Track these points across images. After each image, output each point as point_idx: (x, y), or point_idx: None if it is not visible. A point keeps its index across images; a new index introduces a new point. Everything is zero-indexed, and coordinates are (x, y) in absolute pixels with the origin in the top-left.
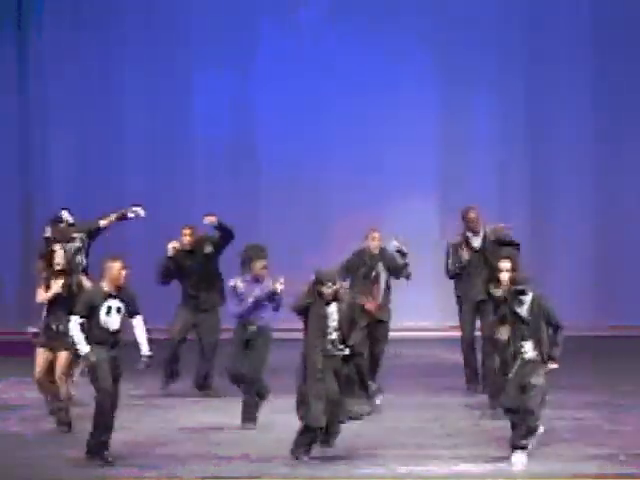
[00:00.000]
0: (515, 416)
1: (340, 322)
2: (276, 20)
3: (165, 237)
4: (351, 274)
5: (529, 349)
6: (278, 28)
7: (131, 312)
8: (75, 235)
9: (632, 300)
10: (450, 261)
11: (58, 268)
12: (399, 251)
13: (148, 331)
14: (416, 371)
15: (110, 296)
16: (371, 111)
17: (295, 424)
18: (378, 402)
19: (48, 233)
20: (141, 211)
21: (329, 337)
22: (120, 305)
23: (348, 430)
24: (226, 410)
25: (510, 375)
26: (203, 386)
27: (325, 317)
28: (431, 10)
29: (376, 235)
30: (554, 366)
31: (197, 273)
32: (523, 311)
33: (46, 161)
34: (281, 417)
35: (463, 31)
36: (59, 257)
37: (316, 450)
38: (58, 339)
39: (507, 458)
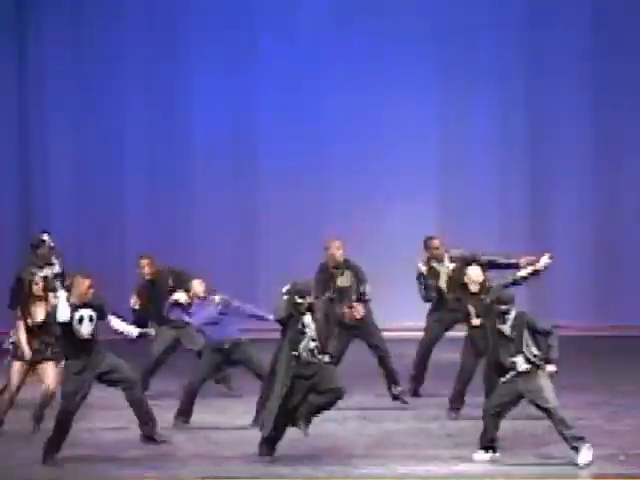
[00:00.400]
0: (491, 419)
1: (318, 332)
2: (276, 20)
3: (165, 238)
4: (322, 288)
5: (521, 362)
6: (278, 29)
7: (102, 316)
8: (54, 260)
9: (632, 300)
10: (422, 287)
11: (37, 294)
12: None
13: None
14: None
15: (79, 307)
16: (371, 111)
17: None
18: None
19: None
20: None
21: (308, 346)
22: (92, 313)
23: (348, 430)
24: (226, 410)
25: (503, 380)
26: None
27: (302, 327)
28: (431, 10)
29: (338, 244)
30: (553, 369)
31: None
32: (506, 328)
33: (45, 161)
34: None
35: (463, 31)
36: (38, 283)
37: (316, 451)
38: (43, 355)
39: (507, 458)
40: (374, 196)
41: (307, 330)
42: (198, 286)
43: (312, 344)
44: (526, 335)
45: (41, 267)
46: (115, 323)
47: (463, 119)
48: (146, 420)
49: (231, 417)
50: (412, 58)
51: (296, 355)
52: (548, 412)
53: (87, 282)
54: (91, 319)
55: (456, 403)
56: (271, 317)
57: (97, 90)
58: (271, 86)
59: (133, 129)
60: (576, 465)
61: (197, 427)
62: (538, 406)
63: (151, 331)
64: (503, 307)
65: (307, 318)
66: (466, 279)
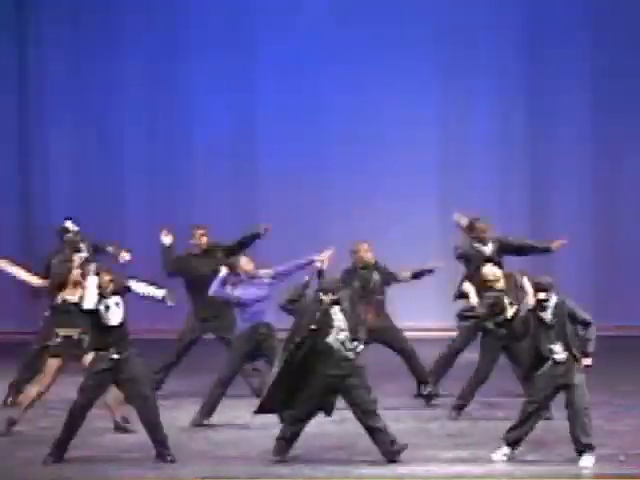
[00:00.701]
0: (536, 410)
1: (347, 321)
2: (276, 21)
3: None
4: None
5: (559, 351)
6: (278, 29)
7: (126, 292)
8: (82, 246)
9: (632, 300)
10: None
11: (75, 279)
12: None
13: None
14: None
15: (105, 296)
16: (371, 111)
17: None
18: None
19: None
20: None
21: (337, 337)
22: (117, 300)
23: (348, 430)
24: (226, 410)
25: (539, 372)
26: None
27: (330, 319)
28: (431, 10)
29: (366, 246)
30: (588, 362)
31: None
32: (547, 316)
33: (45, 161)
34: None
35: (463, 31)
36: (77, 265)
37: (316, 450)
38: (77, 347)
39: (506, 458)
40: (374, 196)
41: (335, 322)
42: (247, 264)
43: (342, 335)
44: (567, 323)
45: (72, 253)
46: (137, 287)
47: (463, 119)
48: (158, 439)
49: (231, 417)
50: (412, 58)
51: (329, 347)
52: (576, 411)
53: (107, 277)
54: (117, 304)
55: (463, 400)
56: (315, 257)
57: (97, 90)
58: (271, 86)
59: (133, 129)
60: (575, 465)
61: (197, 427)
62: (571, 403)
63: (172, 297)
64: (542, 294)
65: (334, 309)
66: (486, 278)
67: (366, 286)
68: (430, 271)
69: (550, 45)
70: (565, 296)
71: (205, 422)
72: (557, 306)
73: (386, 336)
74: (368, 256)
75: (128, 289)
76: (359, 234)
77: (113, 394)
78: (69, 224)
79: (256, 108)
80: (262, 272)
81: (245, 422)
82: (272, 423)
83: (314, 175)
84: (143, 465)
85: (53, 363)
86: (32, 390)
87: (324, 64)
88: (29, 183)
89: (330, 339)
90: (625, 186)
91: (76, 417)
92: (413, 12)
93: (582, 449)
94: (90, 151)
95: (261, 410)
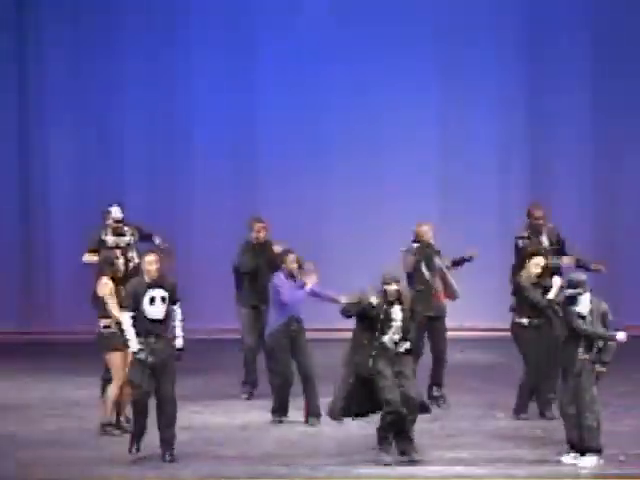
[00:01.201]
0: (571, 419)
1: (403, 322)
2: (276, 20)
3: (165, 240)
4: (414, 270)
5: (582, 349)
6: (278, 29)
7: (172, 301)
8: (126, 229)
9: (632, 300)
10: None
11: (119, 275)
12: None
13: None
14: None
15: (152, 286)
16: (371, 111)
17: (294, 425)
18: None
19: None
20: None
21: (393, 339)
22: (164, 294)
23: (348, 430)
24: (225, 410)
25: (568, 379)
26: None
27: (389, 318)
28: (431, 11)
29: (430, 225)
30: (602, 370)
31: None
32: (584, 310)
33: (46, 159)
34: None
35: (463, 32)
36: (120, 265)
37: (315, 450)
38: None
39: (506, 458)
40: (374, 195)
41: (394, 322)
42: (292, 262)
43: (396, 337)
44: (599, 323)
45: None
46: (176, 318)
47: (463, 119)
48: (165, 437)
49: (231, 417)
50: (412, 58)
51: (382, 344)
52: (582, 411)
53: (149, 258)
54: (163, 300)
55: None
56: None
57: (97, 90)
58: (271, 86)
59: (133, 129)
60: (575, 465)
61: (197, 427)
62: (581, 402)
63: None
64: (571, 291)
65: (395, 309)
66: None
67: (430, 264)
68: (469, 260)
69: (550, 45)
70: (600, 300)
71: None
72: (592, 302)
73: (433, 327)
74: (428, 236)
75: (174, 302)
76: (359, 234)
77: (113, 393)
78: (114, 209)
79: (256, 108)
80: (304, 279)
81: (245, 422)
82: (271, 423)
83: (314, 175)
84: (143, 465)
85: (115, 357)
86: (112, 388)
87: (324, 64)
88: (29, 183)
89: (386, 339)
90: (625, 186)
91: (137, 415)
92: (413, 12)
93: (585, 450)
94: (90, 151)
95: (332, 415)
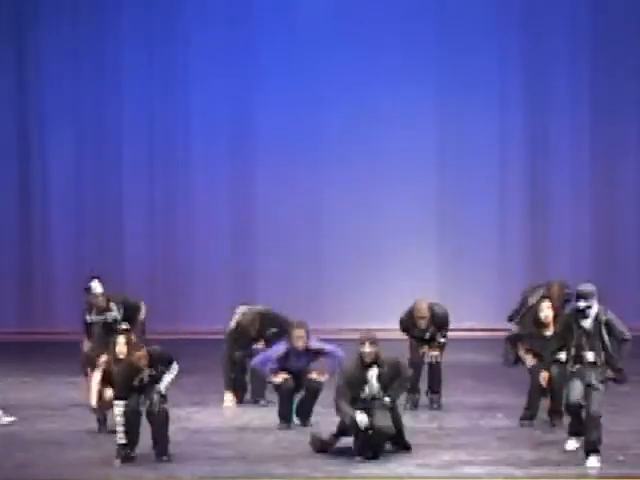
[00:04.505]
0: (577, 411)
1: (383, 384)
2: (275, 20)
3: (164, 239)
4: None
5: (590, 356)
6: (277, 28)
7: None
8: (112, 305)
9: (632, 300)
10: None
11: (120, 357)
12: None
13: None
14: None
15: (140, 370)
16: (371, 110)
17: (292, 425)
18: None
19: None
20: None
21: (365, 397)
22: (152, 373)
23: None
24: (224, 411)
25: (571, 372)
26: None
27: (364, 382)
28: (431, 11)
29: (424, 305)
30: (610, 375)
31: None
32: (588, 324)
33: (45, 159)
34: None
35: (463, 35)
36: (120, 347)
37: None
38: None
39: (507, 458)
40: (373, 195)
41: (367, 386)
42: (298, 340)
43: (371, 395)
44: (604, 333)
45: (97, 313)
46: (169, 370)
47: (463, 119)
48: (160, 441)
49: (230, 417)
50: (412, 57)
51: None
52: (592, 416)
53: (118, 340)
54: (151, 377)
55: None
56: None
57: (96, 89)
58: (270, 85)
59: (133, 129)
60: (575, 465)
61: (196, 428)
62: (589, 405)
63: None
64: (582, 303)
65: (371, 371)
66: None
67: (422, 336)
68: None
69: (549, 46)
70: (606, 306)
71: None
72: (597, 316)
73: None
74: (422, 313)
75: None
76: (357, 233)
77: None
78: (93, 285)
79: (256, 107)
80: (317, 346)
81: (244, 422)
82: (270, 424)
83: (313, 173)
84: (142, 465)
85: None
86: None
87: (322, 60)
88: (28, 183)
89: (358, 403)
90: (624, 186)
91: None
92: (413, 12)
93: (591, 449)
94: (90, 151)
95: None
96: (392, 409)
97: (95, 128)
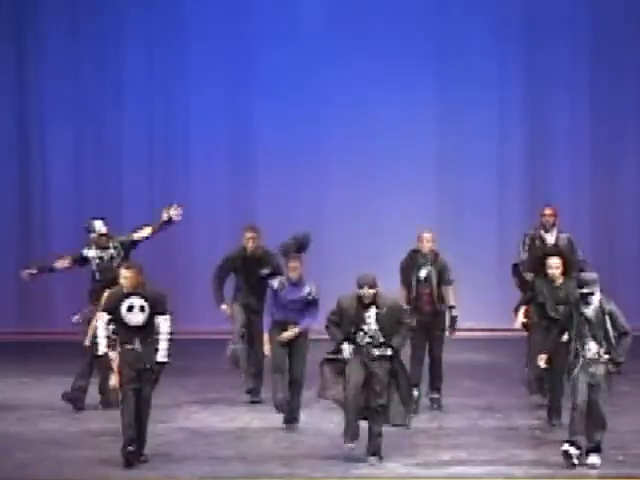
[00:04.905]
0: (581, 412)
1: (381, 325)
2: (276, 19)
3: (163, 239)
4: (405, 275)
5: (592, 347)
6: (278, 27)
7: (157, 312)
8: (110, 244)
9: (631, 300)
10: (520, 249)
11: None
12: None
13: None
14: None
15: (130, 294)
16: (371, 110)
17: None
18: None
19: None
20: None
21: (364, 340)
22: (143, 303)
23: None
24: (224, 411)
25: (575, 374)
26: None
27: (361, 320)
28: (431, 10)
29: (427, 236)
30: (613, 369)
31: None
32: (590, 312)
33: (45, 159)
34: (279, 418)
35: (463, 35)
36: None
37: (314, 450)
38: None
39: (505, 459)
40: (373, 194)
41: (366, 325)
42: (293, 270)
43: (367, 340)
44: (607, 324)
45: (97, 248)
46: (161, 330)
47: (463, 119)
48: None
49: (230, 417)
50: (412, 57)
51: (356, 344)
52: (596, 412)
53: (122, 272)
54: (142, 309)
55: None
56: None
57: (97, 89)
58: (270, 83)
59: (133, 129)
60: (578, 465)
61: (195, 427)
62: (593, 402)
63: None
64: (585, 289)
65: (370, 311)
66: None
67: (423, 275)
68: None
69: (549, 46)
70: (609, 297)
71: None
72: (600, 304)
73: (428, 330)
74: (425, 246)
75: (160, 313)
76: (356, 233)
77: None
78: (98, 223)
79: (256, 107)
80: (309, 289)
81: (244, 422)
82: (270, 424)
83: (313, 175)
84: (142, 465)
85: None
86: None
87: (323, 60)
88: (28, 183)
89: (358, 339)
90: (623, 186)
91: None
92: (413, 12)
93: (593, 448)
94: (89, 150)
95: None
96: (392, 359)
97: (95, 128)
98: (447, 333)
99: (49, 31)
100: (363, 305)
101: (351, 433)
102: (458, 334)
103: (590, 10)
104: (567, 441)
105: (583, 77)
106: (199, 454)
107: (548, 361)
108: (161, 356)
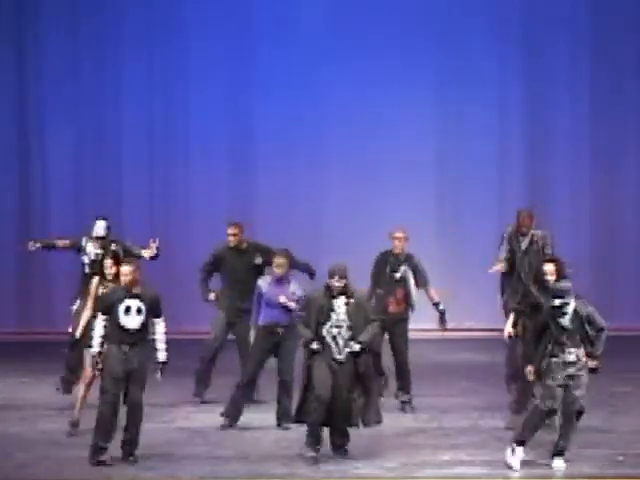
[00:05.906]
0: (542, 419)
1: (349, 317)
2: (276, 19)
3: (164, 239)
4: (376, 274)
5: (572, 351)
6: (278, 27)
7: (153, 314)
8: (110, 247)
9: (631, 300)
10: (502, 247)
11: (110, 278)
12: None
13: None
14: (414, 372)
15: (128, 296)
16: (370, 110)
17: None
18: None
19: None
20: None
21: (331, 332)
22: (140, 305)
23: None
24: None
25: (553, 379)
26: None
27: (330, 309)
28: (431, 10)
29: (400, 235)
30: (594, 364)
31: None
32: (565, 321)
33: (45, 159)
34: None
35: (462, 35)
36: (108, 266)
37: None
38: None
39: (504, 459)
40: (373, 193)
41: (334, 314)
42: (279, 267)
43: (335, 330)
44: (586, 327)
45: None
46: (157, 335)
47: (462, 120)
48: (130, 443)
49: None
50: (412, 56)
51: (321, 339)
52: (569, 414)
53: (123, 268)
54: (139, 311)
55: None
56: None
57: (94, 89)
58: (270, 88)
59: (133, 129)
60: (575, 464)
61: (195, 427)
62: (567, 404)
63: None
64: (557, 301)
65: (339, 301)
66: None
67: (394, 270)
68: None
69: (549, 46)
70: (583, 300)
71: (233, 426)
72: (575, 312)
73: (392, 333)
74: (397, 245)
75: (154, 317)
76: (355, 233)
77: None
78: (98, 225)
79: (256, 108)
80: (293, 288)
81: (245, 422)
82: (270, 424)
83: (313, 175)
84: (141, 465)
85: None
86: (80, 387)
87: (323, 60)
88: (29, 183)
89: (323, 331)
90: (623, 187)
91: (103, 416)
92: (412, 13)
93: (559, 451)
94: (89, 150)
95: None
96: (359, 354)
97: (95, 128)
98: (441, 331)
99: (49, 31)
100: (332, 295)
101: (314, 440)
102: (457, 334)
103: (590, 10)
104: (519, 442)
105: (583, 77)
106: (199, 454)
107: (537, 375)
108: (161, 356)
